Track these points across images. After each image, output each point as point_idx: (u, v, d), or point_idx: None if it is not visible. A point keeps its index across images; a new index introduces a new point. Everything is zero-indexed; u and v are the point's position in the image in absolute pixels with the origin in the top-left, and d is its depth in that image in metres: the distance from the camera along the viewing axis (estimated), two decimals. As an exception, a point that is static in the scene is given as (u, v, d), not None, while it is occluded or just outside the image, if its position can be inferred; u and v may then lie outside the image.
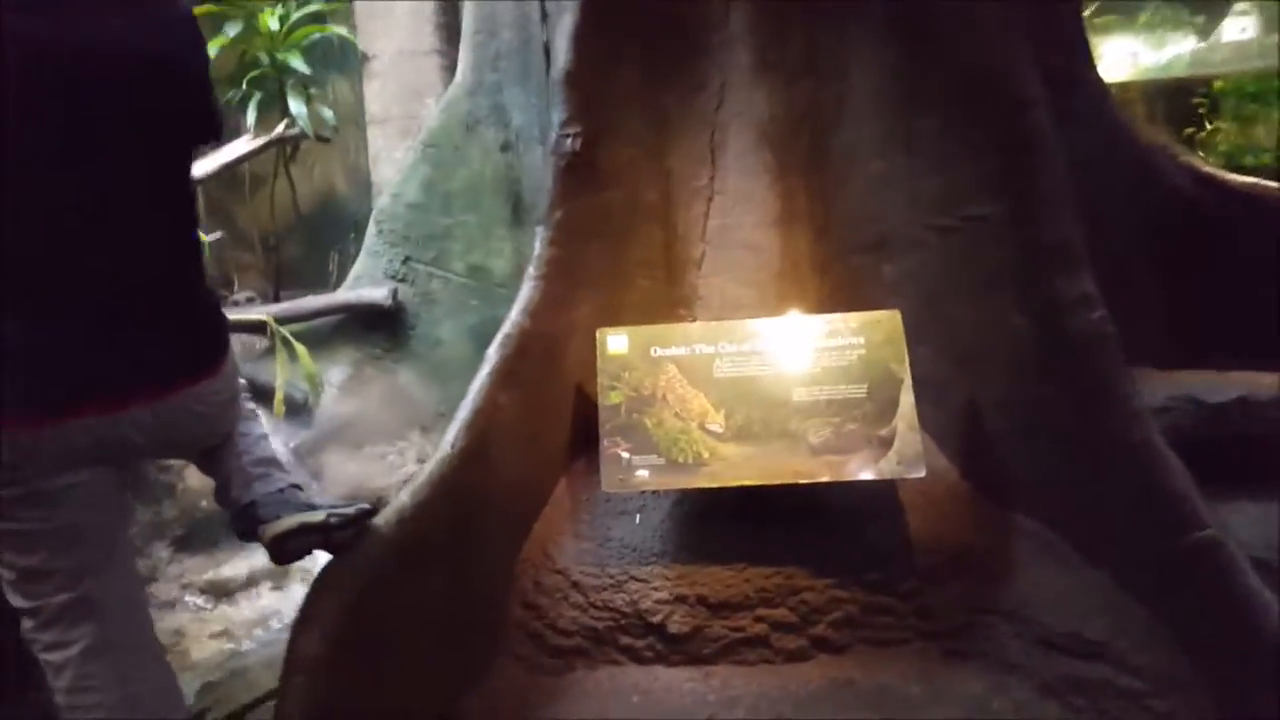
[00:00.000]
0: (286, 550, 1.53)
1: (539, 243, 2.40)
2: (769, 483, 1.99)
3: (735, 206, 2.56)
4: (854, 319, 2.12)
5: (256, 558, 3.11)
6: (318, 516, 1.55)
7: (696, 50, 2.59)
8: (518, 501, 2.27)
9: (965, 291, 2.28)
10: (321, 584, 1.62)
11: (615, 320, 2.39)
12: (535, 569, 2.23)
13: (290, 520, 1.52)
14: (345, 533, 1.63)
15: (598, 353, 2.20)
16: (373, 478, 3.48)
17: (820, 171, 2.55)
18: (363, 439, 3.55)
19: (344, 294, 3.53)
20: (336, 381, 3.65)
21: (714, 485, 2.02)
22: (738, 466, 2.02)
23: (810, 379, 2.08)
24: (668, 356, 2.17)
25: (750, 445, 2.04)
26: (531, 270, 2.39)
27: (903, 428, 1.99)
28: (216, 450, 1.61)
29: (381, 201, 3.62)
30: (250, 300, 5.56)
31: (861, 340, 2.09)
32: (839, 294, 2.51)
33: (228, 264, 6.52)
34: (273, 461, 1.64)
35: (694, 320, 2.54)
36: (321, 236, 5.82)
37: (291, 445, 3.46)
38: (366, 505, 1.69)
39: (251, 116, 4.51)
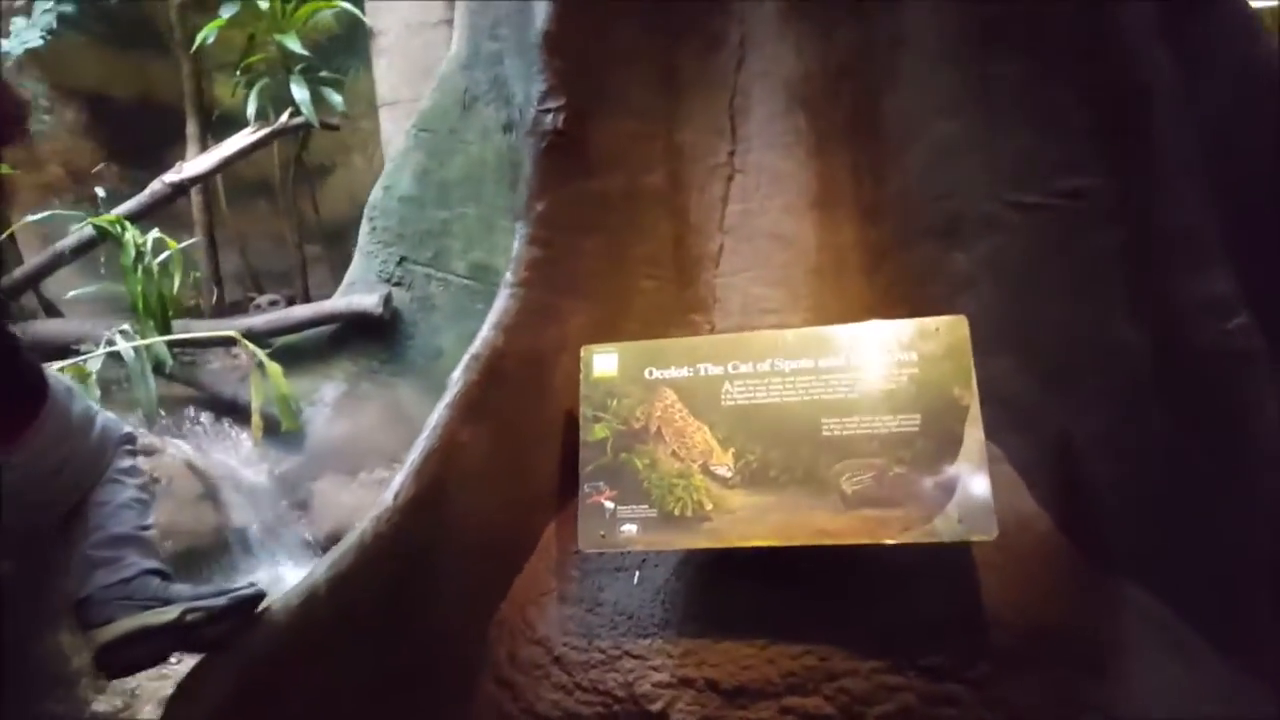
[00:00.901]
0: (117, 662, 1.31)
1: (517, 242, 2.14)
2: (787, 543, 1.65)
3: (761, 187, 2.23)
4: (906, 327, 1.76)
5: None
6: (167, 615, 1.33)
7: (711, -4, 2.27)
8: (489, 556, 2.01)
9: (1059, 289, 1.92)
10: (177, 697, 1.38)
11: (615, 334, 2.11)
12: (512, 637, 1.97)
13: (124, 624, 1.30)
14: (216, 629, 1.39)
15: (581, 375, 1.91)
16: (368, 508, 3.30)
17: (869, 139, 2.20)
18: (358, 464, 3.36)
19: (333, 302, 3.35)
20: (330, 399, 3.48)
21: (717, 546, 1.69)
22: (748, 522, 1.69)
23: (845, 407, 1.73)
24: (665, 380, 1.86)
25: (765, 494, 1.71)
26: (508, 276, 2.13)
27: (967, 472, 1.62)
28: (67, 524, 1.39)
29: (374, 195, 3.41)
30: (273, 304, 5.49)
31: (915, 355, 1.73)
32: (894, 294, 2.15)
33: (255, 265, 6.54)
34: (129, 541, 1.42)
35: (711, 330, 2.22)
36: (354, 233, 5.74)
37: (277, 473, 3.30)
38: (250, 590, 1.44)
39: (251, 106, 4.38)
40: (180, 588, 1.43)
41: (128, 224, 2.99)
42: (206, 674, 1.43)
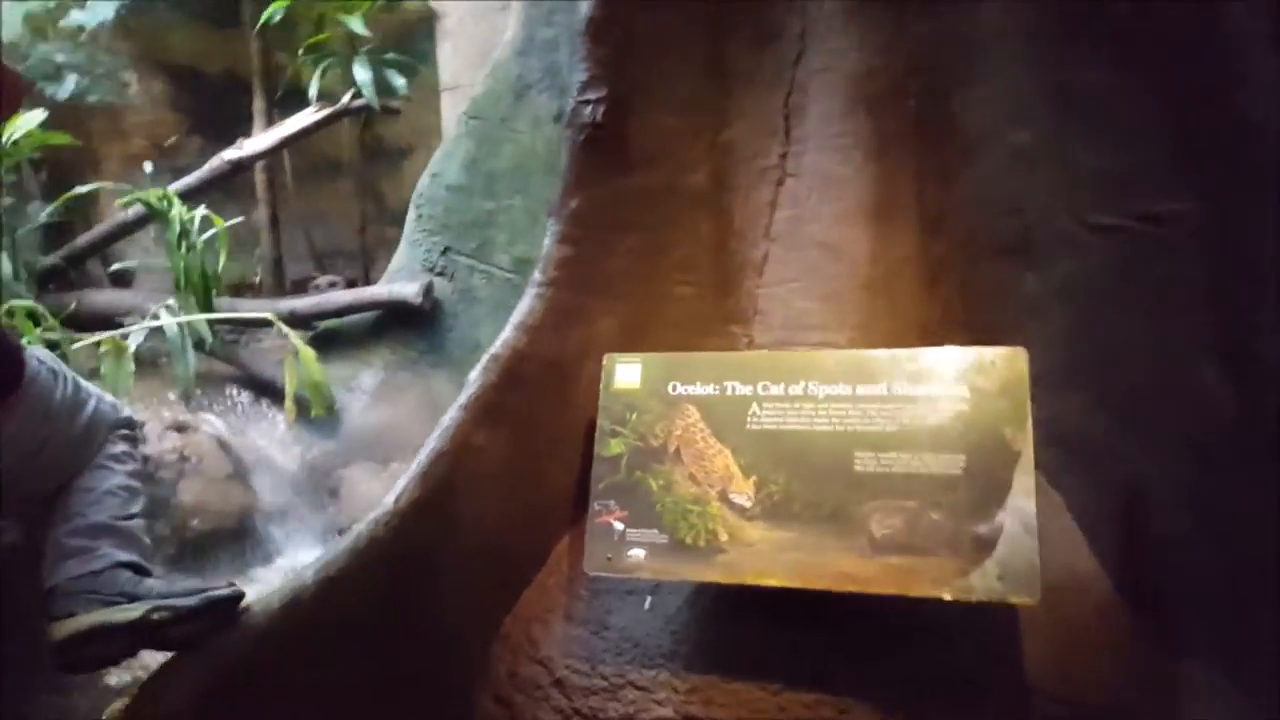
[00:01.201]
0: (73, 660, 1.27)
1: (548, 240, 2.06)
2: (804, 586, 1.54)
3: (814, 193, 2.10)
4: (958, 357, 1.62)
5: (255, 589, 2.97)
6: (131, 613, 1.29)
7: (770, -16, 2.15)
8: (497, 567, 1.94)
9: (1136, 321, 1.75)
10: (139, 696, 1.34)
11: (646, 342, 2.02)
12: (514, 654, 1.91)
13: (83, 620, 1.27)
14: (183, 629, 1.35)
15: (601, 385, 1.83)
16: (394, 501, 3.29)
17: (934, 145, 2.05)
18: (390, 454, 3.36)
19: (375, 289, 3.34)
20: (368, 387, 3.49)
21: (728, 581, 1.59)
22: (765, 558, 1.58)
23: (882, 441, 1.60)
24: (689, 396, 1.76)
25: (786, 529, 1.59)
26: (536, 275, 2.06)
27: (1013, 524, 1.48)
28: (52, 508, 1.37)
29: (421, 182, 3.39)
30: (332, 285, 5.57)
31: (965, 390, 1.59)
32: (953, 315, 2.01)
33: (326, 246, 6.67)
34: (106, 530, 1.39)
35: (750, 344, 2.11)
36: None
37: (308, 458, 3.31)
38: (226, 591, 1.40)
39: (314, 86, 4.43)
40: (153, 583, 1.40)
41: (174, 199, 3.03)
42: (172, 674, 1.40)
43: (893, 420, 1.61)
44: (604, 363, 1.85)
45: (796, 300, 2.08)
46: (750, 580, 1.57)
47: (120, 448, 1.50)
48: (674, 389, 1.78)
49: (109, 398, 1.60)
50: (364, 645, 1.61)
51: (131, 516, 1.48)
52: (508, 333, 2.00)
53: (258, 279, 6.08)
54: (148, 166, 3.30)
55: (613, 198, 2.08)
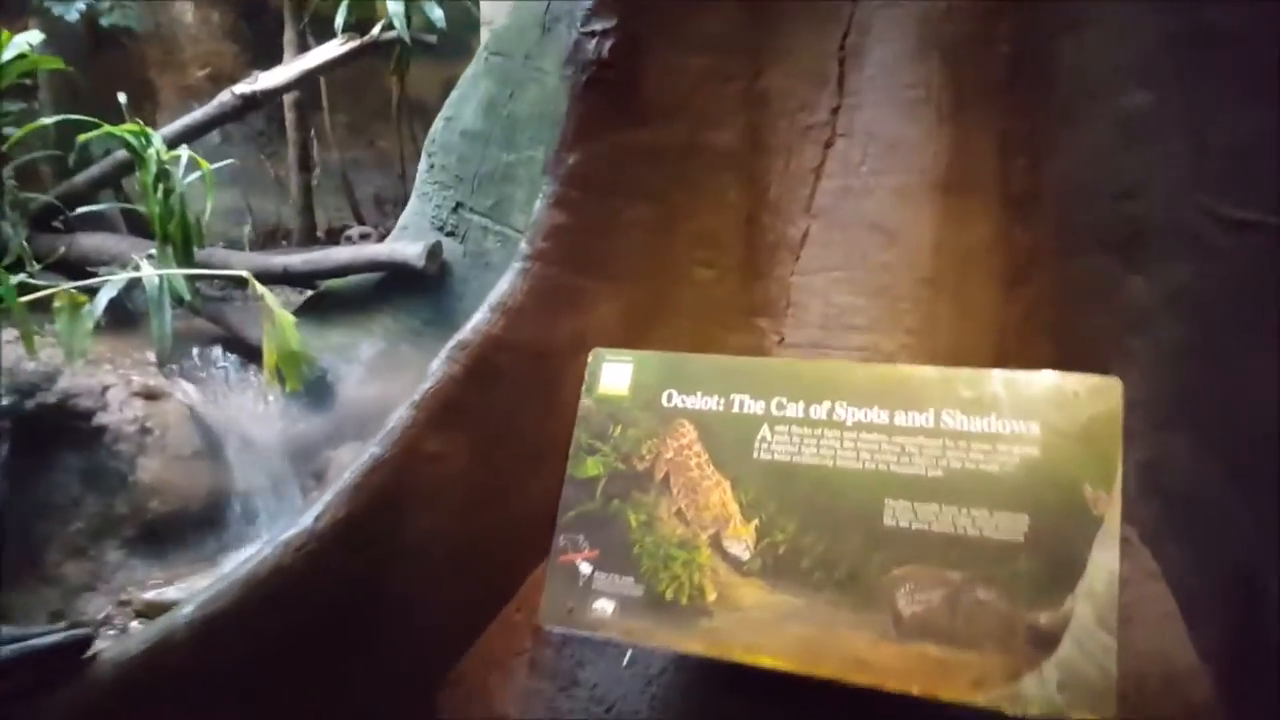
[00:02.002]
0: None
1: (539, 203, 1.82)
2: (807, 671, 1.28)
3: (869, 159, 1.81)
4: (1031, 385, 1.33)
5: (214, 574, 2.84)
6: None
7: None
8: (451, 600, 1.74)
9: (1272, 346, 1.42)
10: None
11: (652, 335, 1.81)
12: (466, 704, 1.72)
13: None
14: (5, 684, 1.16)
15: (584, 387, 1.58)
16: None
17: (1028, 104, 1.75)
18: (386, 435, 3.17)
19: (375, 247, 3.16)
20: (365, 358, 3.31)
21: (711, 654, 1.34)
22: (760, 628, 1.32)
23: (922, 488, 1.32)
24: (686, 410, 1.50)
25: (790, 591, 1.33)
26: (522, 246, 1.82)
27: (1084, 618, 1.19)
28: None
29: (434, 127, 3.17)
30: (365, 237, 5.43)
31: (1037, 428, 1.30)
32: (1037, 322, 1.73)
33: (369, 194, 6.54)
34: None
35: (781, 343, 1.84)
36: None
37: (291, 434, 3.15)
38: (56, 638, 1.21)
39: (340, 16, 4.23)
40: None
41: (150, 135, 2.86)
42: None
43: (938, 462, 1.32)
44: (590, 359, 1.60)
45: (839, 293, 1.79)
46: (739, 657, 1.32)
47: None
48: (669, 399, 1.53)
49: None
50: (260, 703, 1.41)
51: None
52: (481, 315, 1.78)
53: (292, 230, 6.01)
54: (121, 97, 3.13)
55: (620, 155, 1.83)
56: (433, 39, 4.53)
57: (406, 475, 1.63)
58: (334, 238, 5.73)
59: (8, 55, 3.09)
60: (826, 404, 1.42)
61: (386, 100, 6.13)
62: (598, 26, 1.78)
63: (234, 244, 5.28)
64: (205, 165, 2.96)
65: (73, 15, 4.39)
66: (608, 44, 1.77)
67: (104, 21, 4.87)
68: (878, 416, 1.39)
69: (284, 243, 6.20)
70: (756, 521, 1.39)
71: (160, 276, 2.83)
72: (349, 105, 6.64)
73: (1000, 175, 1.78)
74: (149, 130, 2.90)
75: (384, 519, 1.61)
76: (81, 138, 2.94)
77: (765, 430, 1.44)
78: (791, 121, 1.86)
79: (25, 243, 3.33)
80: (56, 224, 3.77)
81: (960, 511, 1.29)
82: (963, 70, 1.78)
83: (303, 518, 1.53)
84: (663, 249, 1.87)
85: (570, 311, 1.82)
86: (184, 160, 3.00)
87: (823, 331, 1.80)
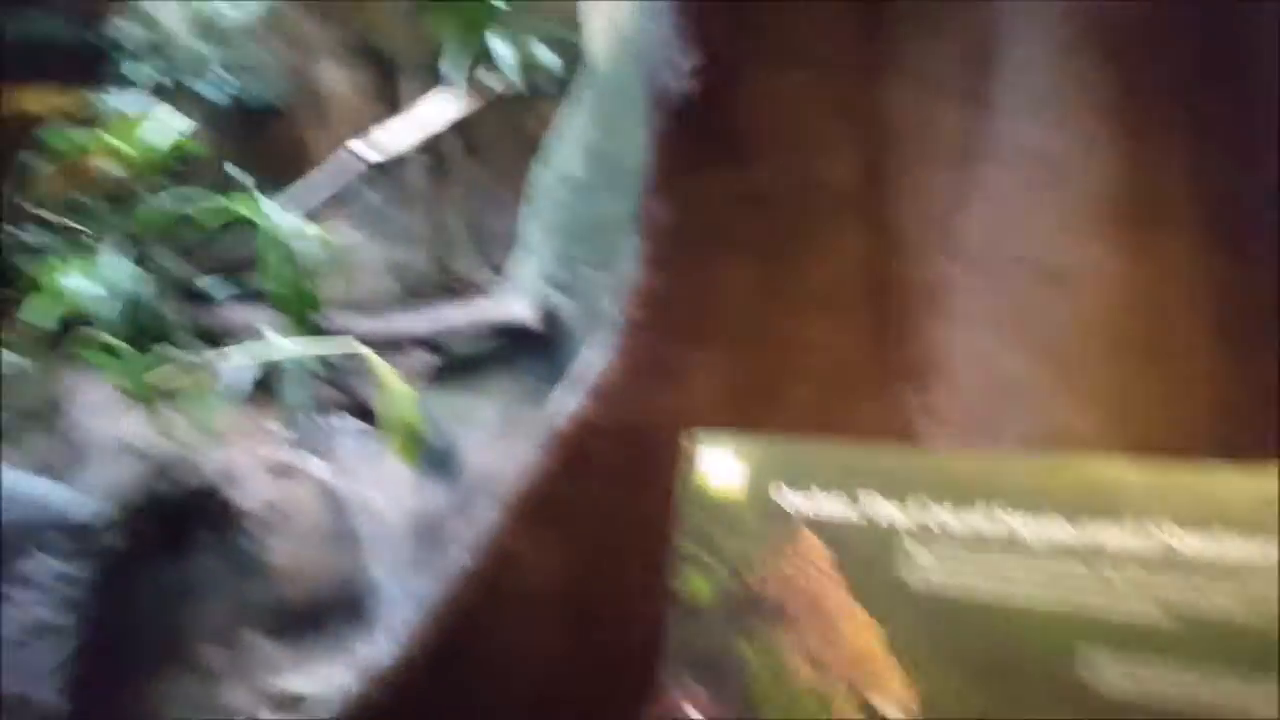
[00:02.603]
0: None
1: (628, 265, 1.55)
2: None
3: (1021, 185, 1.43)
4: (1264, 484, 0.94)
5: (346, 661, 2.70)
6: None
7: None
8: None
9: None
10: None
11: (766, 410, 1.50)
12: None
13: None
14: None
15: (678, 481, 1.29)
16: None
17: (1232, 113, 1.33)
18: (508, 503, 2.98)
19: (486, 306, 2.98)
20: (485, 421, 3.12)
21: None
22: (918, 827, 0.98)
23: (1134, 636, 0.95)
24: (809, 514, 1.18)
25: (957, 775, 0.99)
26: (614, 314, 1.55)
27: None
28: None
29: (537, 174, 2.97)
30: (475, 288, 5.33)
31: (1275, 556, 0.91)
32: (1267, 386, 1.29)
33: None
34: None
35: (929, 417, 1.49)
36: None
37: (417, 509, 2.99)
38: None
39: (448, 67, 4.10)
40: None
41: (261, 204, 2.79)
42: None
43: (1159, 598, 0.95)
44: (684, 445, 1.31)
45: (999, 353, 1.42)
46: None
47: None
48: (786, 498, 1.21)
49: None
50: None
51: None
52: (575, 398, 1.51)
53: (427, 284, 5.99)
54: (248, 179, 3.08)
55: (717, 201, 1.53)
56: (553, 89, 4.35)
57: (493, 587, 1.39)
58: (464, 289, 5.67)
59: (165, 143, 3.14)
60: (997, 511, 1.07)
61: (525, 142, 6.04)
62: (680, 54, 1.49)
63: (362, 305, 5.28)
64: (330, 243, 2.88)
65: (224, 99, 4.54)
66: (694, 73, 1.48)
67: (249, 104, 4.98)
68: (1062, 532, 1.02)
69: (414, 301, 6.20)
70: (917, 678, 1.05)
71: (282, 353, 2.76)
72: (484, 147, 6.59)
73: (1196, 200, 1.37)
74: (261, 200, 2.83)
75: (465, 645, 1.36)
76: (194, 210, 2.92)
77: (915, 546, 1.10)
78: (919, 145, 1.51)
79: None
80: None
81: (1192, 672, 0.91)
82: (1139, 76, 1.38)
83: (382, 639, 1.32)
84: (773, 307, 1.56)
85: (668, 385, 1.55)
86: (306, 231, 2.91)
87: (984, 399, 1.43)
